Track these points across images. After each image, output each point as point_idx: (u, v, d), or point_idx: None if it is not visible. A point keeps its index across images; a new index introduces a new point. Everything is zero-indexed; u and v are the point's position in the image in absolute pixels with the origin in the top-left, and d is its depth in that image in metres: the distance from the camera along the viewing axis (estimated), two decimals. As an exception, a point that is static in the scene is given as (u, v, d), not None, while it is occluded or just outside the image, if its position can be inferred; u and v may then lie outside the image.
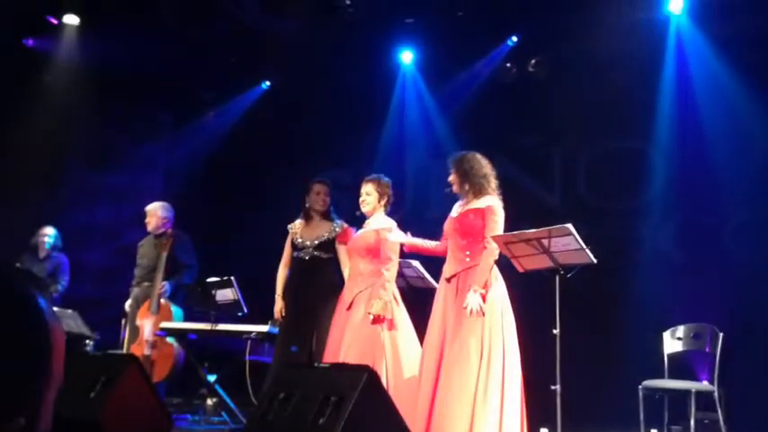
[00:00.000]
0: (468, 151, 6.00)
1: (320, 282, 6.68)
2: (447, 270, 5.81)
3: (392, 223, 6.25)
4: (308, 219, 6.89)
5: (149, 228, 8.20)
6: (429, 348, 5.69)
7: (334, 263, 6.74)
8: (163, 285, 7.76)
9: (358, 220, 6.52)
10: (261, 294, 7.30)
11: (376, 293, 5.98)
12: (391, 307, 6.01)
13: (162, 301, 7.74)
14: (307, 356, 6.42)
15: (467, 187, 5.85)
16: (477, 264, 5.61)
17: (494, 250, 5.63)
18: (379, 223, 6.26)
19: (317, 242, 6.75)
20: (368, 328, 5.95)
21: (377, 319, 5.92)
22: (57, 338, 1.23)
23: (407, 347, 6.03)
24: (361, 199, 6.38)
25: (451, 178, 5.93)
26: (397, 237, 6.11)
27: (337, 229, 6.78)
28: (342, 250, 6.67)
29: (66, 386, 1.27)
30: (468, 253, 5.70)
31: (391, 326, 6.00)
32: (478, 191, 5.80)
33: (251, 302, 7.50)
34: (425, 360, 5.67)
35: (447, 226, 5.91)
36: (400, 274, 6.55)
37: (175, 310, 7.79)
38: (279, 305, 6.80)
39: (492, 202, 5.75)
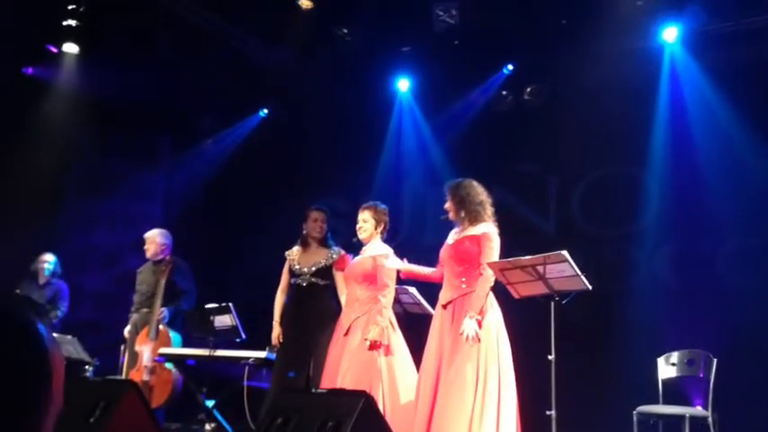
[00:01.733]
0: (464, 178, 6.04)
1: (317, 308, 6.69)
2: (443, 296, 5.83)
3: (389, 250, 6.28)
4: (305, 245, 6.92)
5: (148, 254, 8.23)
6: (425, 374, 5.71)
7: (332, 289, 6.76)
8: (161, 311, 7.77)
9: (355, 246, 6.54)
10: (259, 320, 7.32)
11: (373, 319, 6.01)
12: (388, 333, 6.04)
13: (161, 327, 7.75)
14: (304, 382, 6.42)
15: (463, 214, 5.88)
16: (473, 290, 5.63)
17: (489, 277, 5.66)
18: (376, 250, 6.29)
19: (314, 269, 6.77)
20: (365, 354, 5.97)
21: (374, 345, 5.94)
22: (56, 364, 1.23)
23: (404, 373, 6.05)
24: (358, 226, 6.42)
25: (448, 205, 5.97)
26: (394, 263, 6.14)
27: (334, 256, 6.80)
28: (339, 277, 6.69)
29: (65, 412, 1.26)
30: (464, 279, 5.73)
31: (388, 351, 6.03)
32: (474, 218, 5.84)
33: (249, 328, 7.52)
34: (422, 386, 5.69)
35: (443, 253, 5.94)
36: (397, 300, 6.58)
37: (174, 335, 7.79)
38: (276, 331, 6.82)
39: (488, 228, 5.78)
